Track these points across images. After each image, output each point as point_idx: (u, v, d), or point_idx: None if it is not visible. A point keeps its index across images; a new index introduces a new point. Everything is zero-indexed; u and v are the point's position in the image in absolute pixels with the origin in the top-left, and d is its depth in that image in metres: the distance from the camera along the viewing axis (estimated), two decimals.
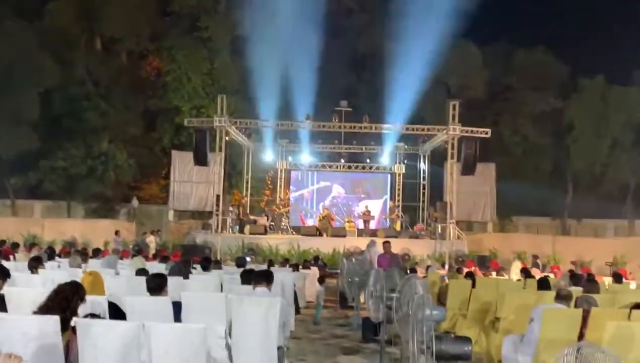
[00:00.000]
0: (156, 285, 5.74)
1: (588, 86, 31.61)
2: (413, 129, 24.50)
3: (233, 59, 31.82)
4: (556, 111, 32.29)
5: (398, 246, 19.43)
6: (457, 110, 22.21)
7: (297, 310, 11.40)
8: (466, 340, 4.15)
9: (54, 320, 4.01)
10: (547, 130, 32.32)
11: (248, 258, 14.54)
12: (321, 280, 12.48)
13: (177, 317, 5.52)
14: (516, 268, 14.87)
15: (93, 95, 29.76)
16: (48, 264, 9.46)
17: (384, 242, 13.81)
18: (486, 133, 22.54)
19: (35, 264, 8.29)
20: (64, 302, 4.22)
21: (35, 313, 4.22)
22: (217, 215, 22.61)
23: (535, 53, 32.98)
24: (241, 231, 23.94)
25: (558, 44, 32.81)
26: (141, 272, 6.60)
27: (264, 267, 10.64)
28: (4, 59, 26.23)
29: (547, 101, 32.11)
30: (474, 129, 22.36)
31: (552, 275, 13.97)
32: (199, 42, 31.15)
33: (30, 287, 6.59)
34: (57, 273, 8.11)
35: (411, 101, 27.96)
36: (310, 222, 26.68)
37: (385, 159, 27.90)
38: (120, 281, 7.37)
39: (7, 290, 5.67)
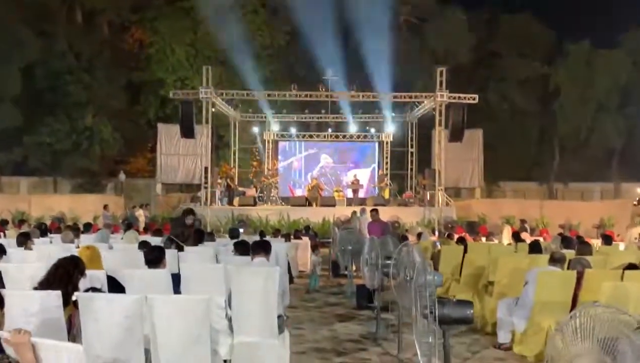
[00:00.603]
0: (155, 258, 5.73)
1: (573, 51, 31.66)
2: (400, 97, 24.43)
3: (217, 28, 31.40)
4: (542, 76, 32.37)
5: (387, 214, 19.52)
6: (444, 76, 22.15)
7: (291, 280, 11.48)
8: (468, 303, 4.20)
9: (55, 295, 3.99)
10: (533, 96, 32.43)
11: (240, 229, 14.57)
12: (314, 249, 12.47)
13: (176, 289, 5.52)
14: (507, 233, 15.02)
15: (75, 69, 29.34)
16: (40, 240, 9.40)
17: (372, 210, 13.87)
18: (473, 99, 22.55)
19: (23, 240, 8.22)
20: (65, 277, 4.20)
21: (35, 288, 4.20)
22: (205, 187, 22.56)
23: (520, 18, 32.89)
24: (230, 203, 23.93)
25: (543, 9, 32.77)
26: (143, 244, 6.54)
27: (256, 238, 10.65)
28: None
29: (533, 66, 32.13)
30: (461, 96, 22.37)
31: (541, 239, 14.12)
32: (181, 12, 30.66)
33: (26, 262, 6.56)
34: (51, 248, 8.07)
35: (398, 69, 27.85)
36: (299, 193, 26.70)
37: (372, 128, 27.85)
38: (116, 255, 7.34)
39: (3, 266, 5.64)
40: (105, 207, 21.71)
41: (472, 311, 4.14)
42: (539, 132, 33.12)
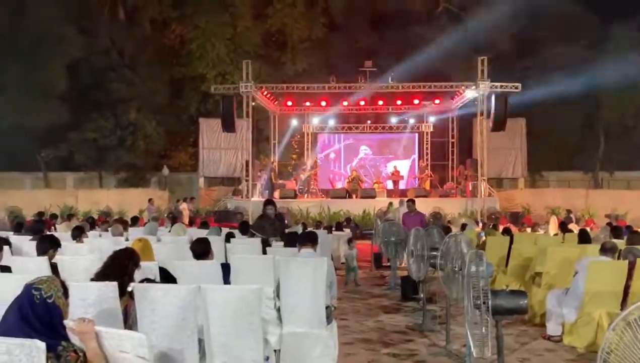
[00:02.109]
0: (202, 251, 5.82)
1: (619, 35, 30.76)
2: (441, 87, 24.17)
3: (255, 23, 31.59)
4: (586, 62, 31.52)
5: (429, 205, 19.46)
6: (485, 65, 21.85)
7: None
8: (522, 294, 4.16)
9: (112, 286, 4.09)
10: (577, 82, 31.60)
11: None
12: (349, 242, 12.17)
13: (226, 280, 5.60)
14: (554, 223, 14.77)
15: (118, 66, 29.88)
16: (90, 233, 9.63)
17: (408, 201, 13.73)
18: (516, 88, 22.18)
19: (78, 233, 8.45)
20: (120, 268, 4.30)
21: (93, 280, 4.31)
22: (246, 180, 22.78)
23: (564, 3, 32.06)
24: (271, 196, 24.09)
25: None
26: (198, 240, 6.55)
27: (298, 229, 10.68)
28: (30, 32, 26.33)
29: (577, 52, 31.32)
30: (504, 84, 22.01)
31: (587, 229, 13.85)
32: (220, 7, 30.90)
33: (79, 255, 6.73)
34: (102, 241, 8.27)
35: (438, 58, 27.53)
36: (339, 184, 26.72)
37: (412, 118, 27.64)
38: (165, 247, 7.48)
39: (58, 258, 5.80)
40: (150, 201, 22.12)
41: (526, 301, 4.10)
42: (583, 119, 32.30)
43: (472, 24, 31.04)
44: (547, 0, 31.84)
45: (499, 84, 21.90)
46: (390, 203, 18.51)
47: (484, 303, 3.99)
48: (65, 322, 2.84)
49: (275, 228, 9.19)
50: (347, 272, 11.53)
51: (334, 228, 15.40)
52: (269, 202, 10.09)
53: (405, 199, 16.19)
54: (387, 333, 7.32)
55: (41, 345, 2.57)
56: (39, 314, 2.80)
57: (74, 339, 2.84)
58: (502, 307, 4.01)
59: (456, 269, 5.35)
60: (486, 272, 4.29)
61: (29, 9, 26.63)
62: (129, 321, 4.27)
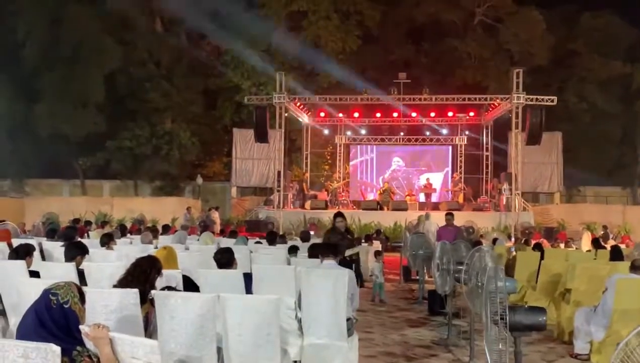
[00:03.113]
0: (226, 260, 5.88)
1: None
2: (475, 99, 23.97)
3: (289, 35, 31.83)
4: (624, 76, 30.95)
5: (462, 219, 19.25)
6: (520, 78, 21.61)
7: (361, 284, 11.47)
8: (540, 310, 4.09)
9: (133, 293, 4.16)
10: (615, 96, 31.03)
11: (312, 232, 14.67)
12: (377, 255, 11.83)
13: (248, 289, 5.64)
14: (587, 239, 14.48)
15: (155, 76, 30.39)
16: (120, 241, 9.80)
17: (446, 214, 13.54)
18: (552, 101, 21.86)
19: (106, 240, 8.59)
20: (142, 276, 4.37)
21: (115, 286, 4.39)
22: (278, 191, 22.90)
23: (602, 16, 31.58)
24: (302, 206, 24.20)
25: (626, 6, 31.28)
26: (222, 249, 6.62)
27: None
28: (69, 43, 27.01)
29: (614, 66, 30.77)
30: (539, 97, 21.74)
31: (623, 246, 13.53)
32: (256, 19, 31.23)
33: (107, 262, 6.86)
34: (130, 248, 8.40)
35: (473, 70, 27.36)
36: (371, 196, 26.65)
37: (446, 130, 27.46)
38: (191, 255, 7.56)
39: (86, 265, 5.91)
40: (189, 209, 22.32)
41: (544, 318, 4.03)
42: (621, 134, 31.65)
43: (507, 36, 30.77)
44: (584, 12, 31.40)
45: (534, 97, 21.63)
46: (420, 217, 18.39)
47: (501, 319, 3.95)
48: (81, 327, 2.90)
49: (344, 243, 8.60)
50: (374, 286, 11.37)
51: (363, 240, 15.32)
52: (339, 214, 9.33)
53: (431, 213, 16.10)
54: (411, 348, 7.26)
55: (56, 349, 2.63)
56: (55, 319, 2.87)
57: (89, 344, 2.90)
58: (520, 324, 3.96)
59: (479, 284, 5.29)
60: (506, 288, 4.23)
61: (69, 19, 27.29)
62: (149, 328, 4.34)
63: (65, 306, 2.90)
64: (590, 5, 31.76)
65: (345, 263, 7.55)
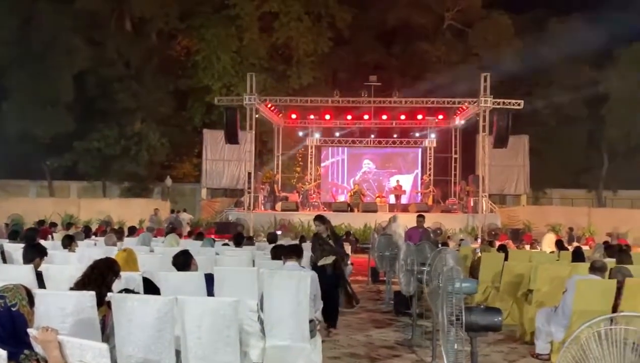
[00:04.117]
0: (182, 263, 5.84)
1: (624, 54, 30.77)
2: (444, 102, 24.22)
3: (261, 36, 31.78)
4: (590, 80, 31.52)
5: (430, 220, 19.40)
6: (488, 82, 21.88)
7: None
8: (496, 311, 4.14)
9: (90, 295, 4.10)
10: (581, 100, 31.59)
11: (279, 232, 14.64)
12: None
13: (210, 291, 5.61)
14: (548, 240, 14.69)
15: (124, 76, 30.04)
16: (84, 242, 9.66)
17: (418, 216, 13.63)
18: (519, 104, 22.18)
19: (68, 242, 8.47)
20: (99, 278, 4.32)
21: (72, 289, 4.33)
22: (249, 192, 22.81)
23: (569, 21, 32.11)
24: (273, 208, 24.15)
25: (593, 12, 31.84)
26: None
27: (297, 242, 10.64)
28: (38, 42, 26.58)
29: (581, 70, 31.33)
30: (506, 101, 22.03)
31: (587, 248, 13.78)
32: (227, 20, 31.13)
33: (67, 264, 6.76)
34: (93, 251, 8.28)
35: (442, 73, 27.59)
36: (342, 198, 26.72)
37: (415, 133, 27.70)
38: (155, 258, 7.49)
39: (44, 267, 5.82)
40: (156, 210, 22.09)
41: (500, 318, 4.08)
42: (587, 137, 32.25)
43: (476, 40, 31.13)
44: (554, 17, 31.88)
45: (501, 100, 21.92)
46: (391, 218, 18.48)
47: (457, 319, 3.99)
48: (29, 330, 2.85)
49: (325, 250, 8.04)
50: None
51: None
52: (317, 217, 8.65)
53: (398, 214, 16.20)
54: (375, 348, 7.29)
55: (2, 353, 2.59)
56: (2, 322, 2.83)
57: (38, 348, 2.85)
58: (476, 324, 4.00)
59: (440, 285, 5.34)
60: (465, 289, 4.28)
61: (39, 18, 26.88)
62: (106, 331, 4.28)
63: (13, 309, 2.86)
64: (558, 10, 32.30)
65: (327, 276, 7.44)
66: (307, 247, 8.41)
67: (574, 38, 31.70)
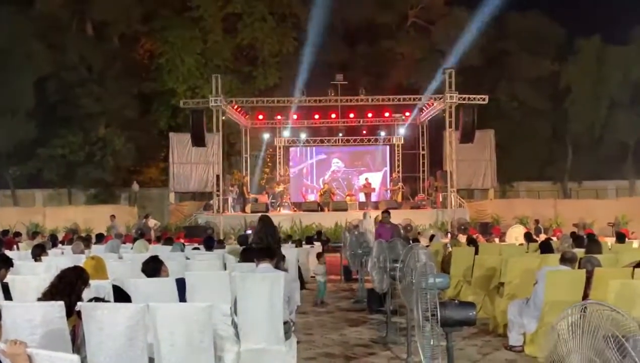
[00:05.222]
0: (152, 269, 5.73)
1: (584, 47, 31.42)
2: (410, 99, 24.38)
3: (226, 37, 31.55)
4: (553, 74, 32.09)
5: (400, 217, 19.50)
6: (453, 78, 22.10)
7: (302, 286, 11.44)
8: (470, 305, 4.16)
9: (58, 306, 4.01)
10: (544, 94, 32.16)
11: (249, 231, 14.56)
12: (319, 257, 11.67)
13: (182, 296, 5.52)
14: (514, 232, 14.91)
15: (87, 81, 29.54)
16: (51, 251, 9.46)
17: (383, 212, 13.69)
18: (483, 99, 22.45)
19: (38, 252, 8.31)
20: (67, 287, 4.22)
21: (39, 299, 4.22)
22: (217, 195, 22.66)
23: (530, 16, 32.62)
24: (243, 210, 24.01)
25: (553, 6, 32.44)
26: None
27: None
28: None
29: (543, 64, 31.86)
30: (471, 96, 22.28)
31: (554, 239, 14.00)
32: (190, 22, 30.84)
33: (34, 274, 6.59)
34: (60, 260, 8.10)
35: (407, 71, 27.79)
36: (312, 198, 26.71)
37: (382, 131, 27.84)
38: (124, 265, 7.37)
39: (10, 278, 5.67)
40: (112, 217, 21.73)
41: (474, 312, 4.09)
42: (551, 130, 32.83)
43: (439, 37, 31.39)
44: (514, 13, 32.32)
45: (466, 96, 22.15)
46: (364, 215, 18.54)
47: (432, 315, 4.00)
48: None
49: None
50: (317, 288, 11.28)
51: (304, 242, 15.35)
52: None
53: (369, 212, 16.25)
54: (350, 347, 7.28)
55: None
56: None
57: (6, 362, 2.76)
58: (450, 319, 4.01)
59: (413, 281, 5.34)
60: (438, 284, 4.29)
61: None
62: (77, 342, 4.19)
63: None
64: (518, 5, 32.75)
65: None
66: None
67: (534, 32, 32.28)
